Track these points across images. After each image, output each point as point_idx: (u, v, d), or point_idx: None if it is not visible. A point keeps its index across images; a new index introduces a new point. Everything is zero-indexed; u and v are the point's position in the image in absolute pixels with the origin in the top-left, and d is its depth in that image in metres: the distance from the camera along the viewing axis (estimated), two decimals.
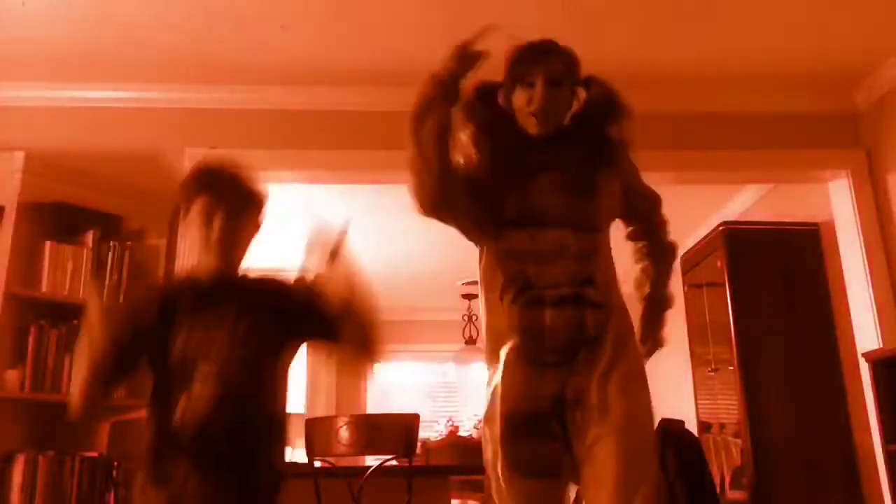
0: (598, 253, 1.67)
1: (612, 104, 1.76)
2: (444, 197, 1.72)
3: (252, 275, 1.75)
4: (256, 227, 1.77)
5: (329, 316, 1.65)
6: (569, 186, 1.67)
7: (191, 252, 1.76)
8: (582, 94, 1.75)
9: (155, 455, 1.56)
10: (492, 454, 1.64)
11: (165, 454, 1.54)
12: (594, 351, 1.61)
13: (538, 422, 1.60)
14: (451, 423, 5.05)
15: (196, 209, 1.66)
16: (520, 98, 1.70)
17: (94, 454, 2.74)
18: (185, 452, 1.52)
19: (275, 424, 1.66)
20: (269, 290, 1.72)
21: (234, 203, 1.68)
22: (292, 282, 1.73)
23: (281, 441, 1.69)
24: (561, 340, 1.59)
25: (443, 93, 1.75)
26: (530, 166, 1.70)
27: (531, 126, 1.69)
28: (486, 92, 1.79)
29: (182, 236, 1.74)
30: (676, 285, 4.75)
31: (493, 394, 1.65)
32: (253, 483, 1.57)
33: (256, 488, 1.58)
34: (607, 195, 1.72)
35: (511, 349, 1.64)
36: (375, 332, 1.69)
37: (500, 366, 1.65)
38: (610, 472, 1.53)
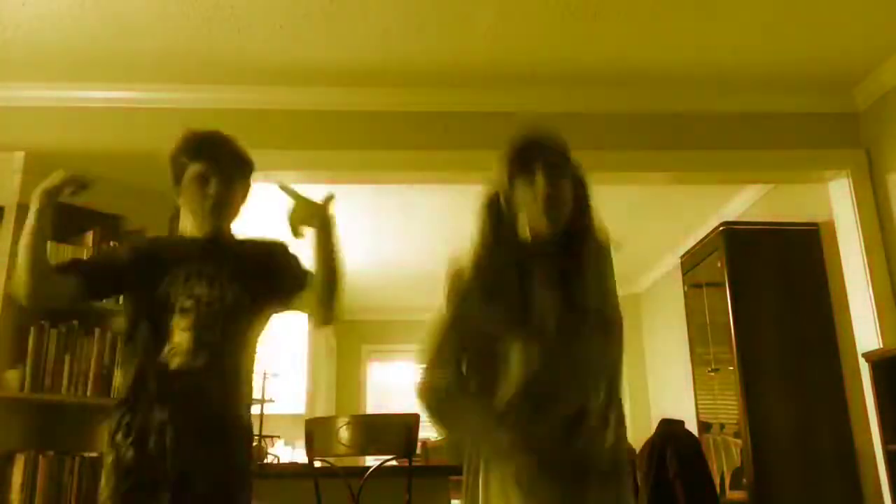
0: None
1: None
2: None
3: (240, 237, 1.83)
4: (247, 191, 1.83)
5: (302, 272, 1.75)
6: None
7: (184, 216, 1.80)
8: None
9: (133, 399, 1.62)
10: None
11: (142, 400, 1.61)
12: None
13: None
14: None
15: (190, 175, 1.70)
16: (526, 190, 1.55)
17: (94, 454, 2.74)
18: (161, 401, 1.59)
19: (241, 378, 1.74)
20: (250, 252, 1.79)
21: (228, 169, 1.74)
22: (272, 243, 1.82)
23: (246, 395, 1.77)
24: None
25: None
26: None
27: (544, 219, 1.54)
28: (497, 202, 1.61)
29: (177, 201, 1.78)
30: (676, 285, 4.76)
31: None
32: (224, 433, 1.65)
33: (227, 437, 1.66)
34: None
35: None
36: (340, 282, 1.76)
37: None
38: None
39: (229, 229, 1.81)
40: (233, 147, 1.79)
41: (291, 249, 1.81)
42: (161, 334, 1.64)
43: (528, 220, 1.56)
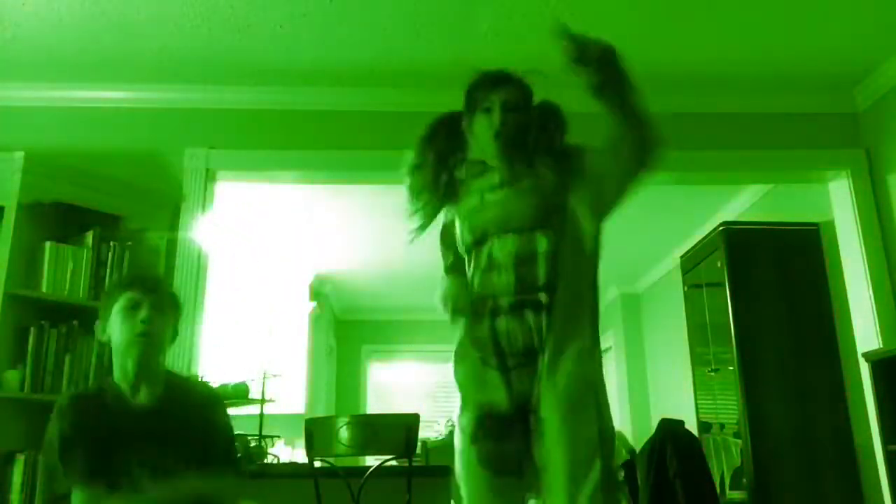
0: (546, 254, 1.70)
1: (555, 116, 1.88)
2: None
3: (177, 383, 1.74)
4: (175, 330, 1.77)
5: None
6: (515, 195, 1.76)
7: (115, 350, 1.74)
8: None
9: None
10: (460, 444, 1.72)
11: None
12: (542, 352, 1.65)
13: (504, 423, 1.65)
14: (451, 423, 5.04)
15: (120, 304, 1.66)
16: (480, 123, 1.79)
17: None
18: None
19: None
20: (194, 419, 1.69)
21: (159, 299, 1.69)
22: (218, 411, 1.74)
23: None
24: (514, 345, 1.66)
25: None
26: (479, 189, 1.82)
27: (494, 150, 1.77)
28: (448, 120, 1.92)
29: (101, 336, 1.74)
30: (676, 285, 4.76)
31: (464, 387, 1.75)
32: None
33: None
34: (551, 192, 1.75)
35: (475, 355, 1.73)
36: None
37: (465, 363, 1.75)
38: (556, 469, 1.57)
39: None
40: (164, 283, 1.78)
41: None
42: None
43: (482, 147, 1.81)
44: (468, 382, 1.73)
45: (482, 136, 1.78)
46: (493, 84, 1.82)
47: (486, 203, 1.78)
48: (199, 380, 1.79)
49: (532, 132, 1.81)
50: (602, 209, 1.76)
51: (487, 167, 1.83)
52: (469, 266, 1.80)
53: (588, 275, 1.73)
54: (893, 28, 2.93)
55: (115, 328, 1.67)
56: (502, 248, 1.71)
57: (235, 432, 1.82)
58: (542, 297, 1.65)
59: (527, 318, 1.65)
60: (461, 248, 1.84)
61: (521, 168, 1.79)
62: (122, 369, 1.71)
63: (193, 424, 1.68)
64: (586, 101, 1.72)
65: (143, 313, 1.65)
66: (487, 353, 1.69)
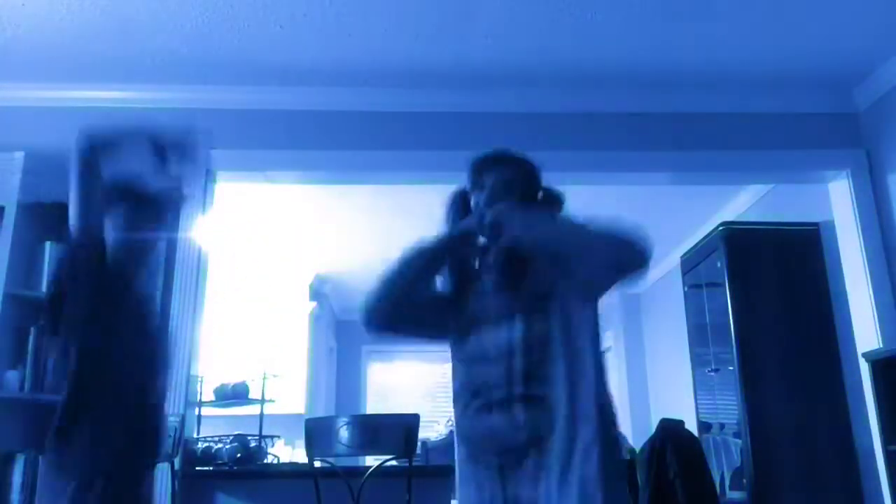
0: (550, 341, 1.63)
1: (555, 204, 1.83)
2: (394, 317, 1.81)
3: None
4: None
5: None
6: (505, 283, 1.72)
7: None
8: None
9: None
10: None
11: None
12: (545, 452, 1.56)
13: None
14: (450, 423, 5.04)
15: None
16: (475, 200, 1.80)
17: None
18: None
19: None
20: None
21: None
22: None
23: None
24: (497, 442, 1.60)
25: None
26: (475, 272, 1.80)
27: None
28: (461, 198, 1.89)
29: None
30: (676, 285, 4.76)
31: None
32: None
33: None
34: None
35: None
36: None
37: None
38: None
39: None
40: None
41: None
42: None
43: None
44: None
45: (474, 211, 1.79)
46: (490, 164, 1.82)
47: (479, 289, 1.77)
48: None
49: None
50: (593, 294, 1.70)
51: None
52: (454, 352, 1.79)
53: (589, 352, 1.65)
54: (893, 28, 2.93)
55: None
56: (493, 337, 1.67)
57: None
58: (537, 388, 1.60)
59: (515, 414, 1.58)
60: (451, 329, 1.80)
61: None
62: None
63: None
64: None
65: None
66: (477, 449, 1.65)
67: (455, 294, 1.80)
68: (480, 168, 1.81)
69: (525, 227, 1.67)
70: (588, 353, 1.62)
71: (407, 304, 1.78)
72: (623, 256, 1.58)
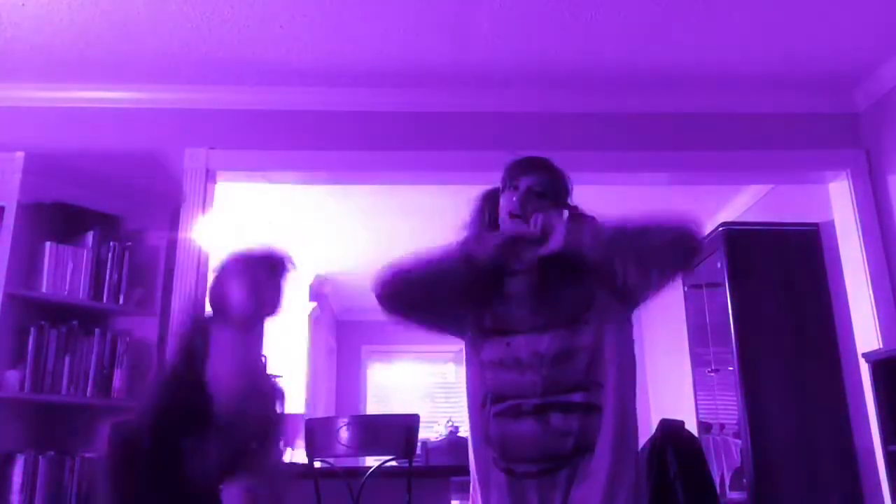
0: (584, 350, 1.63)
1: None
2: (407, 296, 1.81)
3: None
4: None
5: None
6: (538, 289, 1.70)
7: None
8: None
9: None
10: None
11: None
12: (587, 462, 1.58)
13: None
14: (450, 423, 5.05)
15: None
16: (505, 200, 1.78)
17: (94, 454, 2.74)
18: None
19: None
20: None
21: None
22: None
23: None
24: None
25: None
26: (511, 275, 1.75)
27: (507, 227, 1.75)
28: (491, 197, 1.87)
29: None
30: (676, 285, 4.76)
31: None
32: None
33: None
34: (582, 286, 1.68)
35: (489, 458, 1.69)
36: None
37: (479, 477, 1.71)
38: None
39: None
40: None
41: None
42: None
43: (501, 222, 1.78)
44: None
45: (503, 211, 1.77)
46: (526, 167, 1.80)
47: (512, 293, 1.73)
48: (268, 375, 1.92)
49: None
50: (642, 298, 1.70)
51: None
52: (475, 352, 1.75)
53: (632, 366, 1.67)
54: (893, 28, 2.93)
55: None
56: (531, 346, 1.65)
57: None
58: (579, 396, 1.60)
59: (553, 422, 1.59)
60: (471, 326, 1.77)
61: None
62: None
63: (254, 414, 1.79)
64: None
65: None
66: (511, 454, 1.64)
67: (482, 294, 1.76)
68: (517, 170, 1.79)
69: (575, 234, 1.64)
70: (632, 362, 1.67)
71: (428, 289, 1.77)
72: (686, 244, 1.60)
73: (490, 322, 1.73)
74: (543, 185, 1.76)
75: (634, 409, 1.64)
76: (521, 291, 1.72)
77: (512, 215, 1.73)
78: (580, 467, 1.58)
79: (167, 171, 3.23)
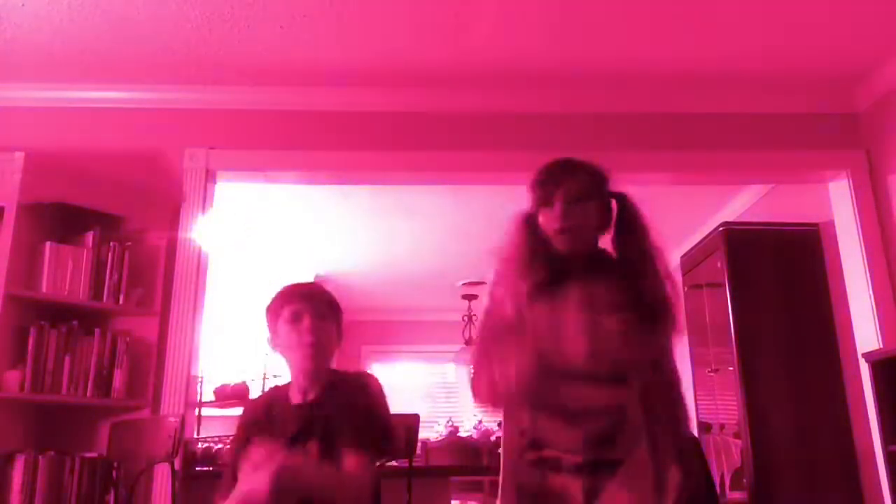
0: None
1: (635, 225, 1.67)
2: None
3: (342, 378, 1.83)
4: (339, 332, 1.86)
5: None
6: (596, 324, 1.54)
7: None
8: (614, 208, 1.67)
9: None
10: None
11: None
12: None
13: None
14: (451, 423, 5.04)
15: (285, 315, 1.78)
16: (545, 218, 1.63)
17: (94, 454, 2.74)
18: None
19: None
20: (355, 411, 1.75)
21: (318, 306, 1.79)
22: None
23: None
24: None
25: None
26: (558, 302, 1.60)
27: (560, 244, 1.62)
28: (530, 223, 1.69)
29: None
30: (676, 286, 4.75)
31: None
32: None
33: None
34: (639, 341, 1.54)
35: None
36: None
37: None
38: None
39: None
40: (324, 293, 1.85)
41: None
42: None
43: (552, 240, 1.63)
44: None
45: (549, 231, 1.62)
46: (557, 175, 1.66)
47: (561, 324, 1.57)
48: (360, 372, 1.88)
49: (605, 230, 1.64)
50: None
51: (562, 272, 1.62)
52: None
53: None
54: (893, 28, 2.93)
55: (283, 340, 1.78)
56: (580, 396, 1.53)
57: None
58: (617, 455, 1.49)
59: (594, 482, 1.48)
60: None
61: (599, 284, 1.59)
62: (294, 377, 1.83)
63: (350, 412, 1.74)
64: None
65: (306, 323, 1.75)
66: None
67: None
68: (546, 182, 1.64)
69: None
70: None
71: None
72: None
73: (540, 360, 1.61)
74: (580, 189, 1.63)
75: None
76: (574, 323, 1.59)
77: (559, 232, 1.60)
78: None
79: (167, 171, 3.23)
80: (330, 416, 1.72)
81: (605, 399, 1.52)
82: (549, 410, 1.55)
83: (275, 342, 1.82)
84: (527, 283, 1.60)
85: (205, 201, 3.21)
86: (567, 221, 1.60)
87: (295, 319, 1.76)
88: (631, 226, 1.67)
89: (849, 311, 3.37)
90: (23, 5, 2.73)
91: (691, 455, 1.53)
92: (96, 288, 2.84)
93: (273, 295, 1.83)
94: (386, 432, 1.75)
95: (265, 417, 1.81)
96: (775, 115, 3.41)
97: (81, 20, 2.82)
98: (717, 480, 3.72)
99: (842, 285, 3.43)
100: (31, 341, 2.68)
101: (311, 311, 1.76)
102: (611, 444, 1.50)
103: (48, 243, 2.77)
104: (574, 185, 1.63)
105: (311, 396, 1.78)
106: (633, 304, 1.56)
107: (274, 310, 1.82)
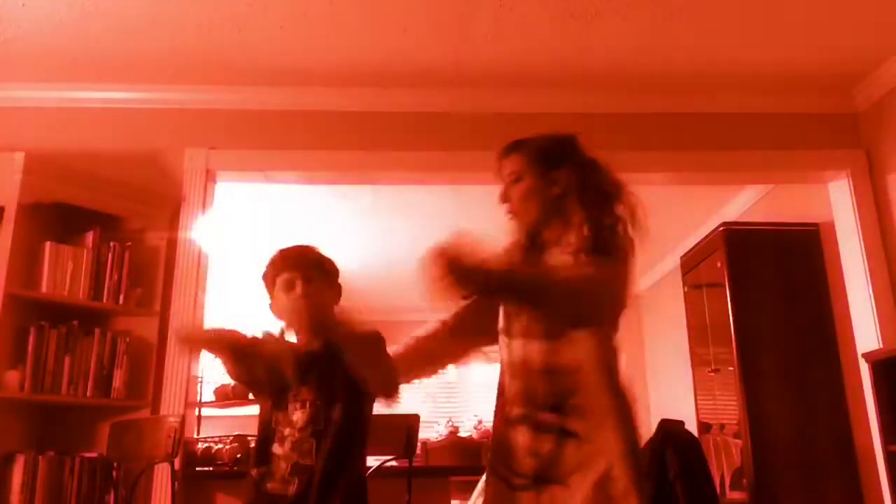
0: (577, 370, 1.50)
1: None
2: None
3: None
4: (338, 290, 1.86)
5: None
6: None
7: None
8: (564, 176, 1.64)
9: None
10: None
11: None
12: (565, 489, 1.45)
13: None
14: (451, 423, 5.04)
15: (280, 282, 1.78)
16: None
17: (94, 454, 2.74)
18: None
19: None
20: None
21: (308, 271, 1.78)
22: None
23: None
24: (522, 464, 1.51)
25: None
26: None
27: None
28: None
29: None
30: (676, 286, 4.76)
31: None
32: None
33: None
34: None
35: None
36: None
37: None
38: None
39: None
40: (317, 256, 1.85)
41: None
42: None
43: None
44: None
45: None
46: (500, 156, 1.71)
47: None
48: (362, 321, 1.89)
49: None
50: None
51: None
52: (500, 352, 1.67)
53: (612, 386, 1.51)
54: (893, 28, 2.93)
55: (280, 306, 1.80)
56: (520, 352, 1.57)
57: None
58: (550, 417, 1.49)
59: (528, 437, 1.51)
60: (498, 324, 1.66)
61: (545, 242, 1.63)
62: (298, 340, 1.83)
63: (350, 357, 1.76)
64: None
65: (298, 289, 1.77)
66: (497, 463, 1.58)
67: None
68: (497, 162, 1.71)
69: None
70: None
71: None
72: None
73: (504, 319, 1.68)
74: (514, 168, 1.66)
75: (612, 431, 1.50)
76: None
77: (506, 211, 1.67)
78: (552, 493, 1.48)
79: (167, 172, 3.23)
80: (329, 360, 1.74)
81: (546, 358, 1.54)
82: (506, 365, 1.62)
83: (273, 308, 1.84)
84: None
85: (205, 201, 3.21)
86: (506, 202, 1.67)
87: (288, 287, 1.77)
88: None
89: (849, 311, 3.37)
90: (23, 5, 2.72)
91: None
92: (96, 288, 2.84)
93: (266, 262, 1.83)
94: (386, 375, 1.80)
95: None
96: (775, 114, 3.41)
97: (81, 20, 2.82)
98: (717, 480, 3.72)
99: (842, 285, 3.43)
100: (30, 341, 2.68)
101: (302, 276, 1.77)
102: (547, 406, 1.51)
103: (48, 243, 2.77)
104: (510, 165, 1.68)
105: (313, 348, 1.80)
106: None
107: (268, 277, 1.83)
